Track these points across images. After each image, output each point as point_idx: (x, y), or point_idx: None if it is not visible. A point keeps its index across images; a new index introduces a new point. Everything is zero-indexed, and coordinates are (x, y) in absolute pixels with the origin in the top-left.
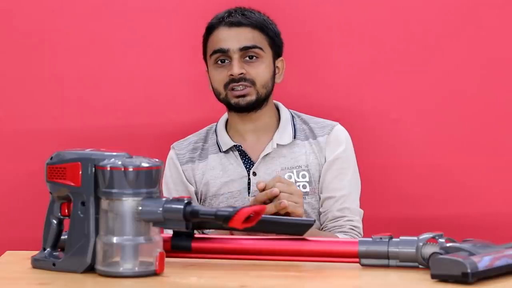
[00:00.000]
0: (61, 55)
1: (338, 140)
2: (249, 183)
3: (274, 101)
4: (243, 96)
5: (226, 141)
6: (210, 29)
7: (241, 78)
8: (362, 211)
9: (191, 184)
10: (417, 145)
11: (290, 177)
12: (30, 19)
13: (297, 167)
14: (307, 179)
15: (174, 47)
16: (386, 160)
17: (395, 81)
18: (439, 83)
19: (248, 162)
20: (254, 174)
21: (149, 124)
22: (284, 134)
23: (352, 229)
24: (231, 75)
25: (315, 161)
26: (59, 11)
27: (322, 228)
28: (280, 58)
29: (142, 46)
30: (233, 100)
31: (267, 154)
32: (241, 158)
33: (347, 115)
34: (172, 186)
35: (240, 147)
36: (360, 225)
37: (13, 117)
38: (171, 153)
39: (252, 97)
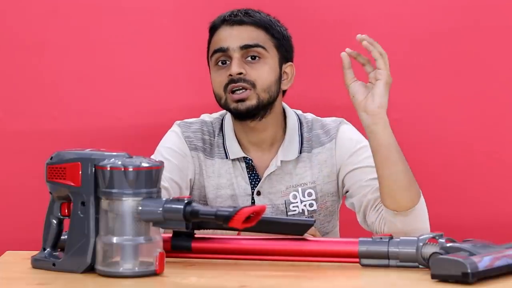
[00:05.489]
0: (61, 55)
1: (345, 144)
2: (253, 203)
3: (282, 102)
4: (243, 100)
5: (235, 151)
6: (212, 30)
7: (240, 79)
8: None
9: (188, 175)
10: (417, 145)
11: (295, 196)
12: (30, 19)
13: (302, 185)
14: (313, 196)
15: (175, 47)
16: None
17: (395, 81)
18: (439, 83)
19: (253, 178)
20: (259, 193)
21: (149, 124)
22: (289, 148)
23: None
24: (230, 75)
25: (324, 171)
26: (59, 11)
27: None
28: (289, 63)
29: (143, 46)
30: (232, 105)
31: (271, 172)
32: (247, 172)
33: (347, 115)
34: (167, 173)
35: (250, 162)
36: None
37: (13, 117)
38: (177, 130)
39: (252, 102)
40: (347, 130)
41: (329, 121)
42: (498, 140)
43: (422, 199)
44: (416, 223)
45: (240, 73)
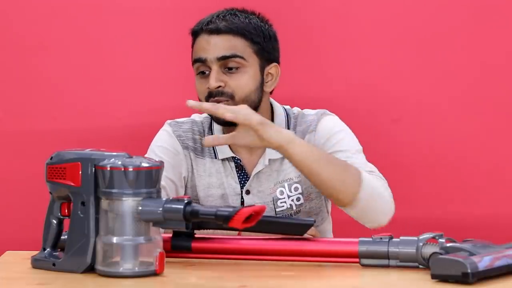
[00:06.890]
0: (61, 55)
1: (323, 134)
2: (242, 202)
3: (270, 99)
4: None
5: (224, 151)
6: (193, 36)
7: (218, 92)
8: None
9: (181, 173)
10: (417, 145)
11: (282, 192)
12: (30, 19)
13: (288, 180)
14: (299, 191)
15: (175, 48)
16: (386, 160)
17: (395, 81)
18: (439, 83)
19: (242, 177)
20: (248, 192)
21: (149, 124)
22: None
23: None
24: (208, 88)
25: None
26: (59, 11)
27: None
28: (273, 64)
29: (142, 46)
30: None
31: (259, 171)
32: (236, 171)
33: (347, 114)
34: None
35: (239, 161)
36: (375, 169)
37: (13, 117)
38: (168, 129)
39: None
40: (328, 120)
41: (312, 113)
42: (499, 140)
43: (363, 189)
44: (368, 215)
45: (219, 86)
